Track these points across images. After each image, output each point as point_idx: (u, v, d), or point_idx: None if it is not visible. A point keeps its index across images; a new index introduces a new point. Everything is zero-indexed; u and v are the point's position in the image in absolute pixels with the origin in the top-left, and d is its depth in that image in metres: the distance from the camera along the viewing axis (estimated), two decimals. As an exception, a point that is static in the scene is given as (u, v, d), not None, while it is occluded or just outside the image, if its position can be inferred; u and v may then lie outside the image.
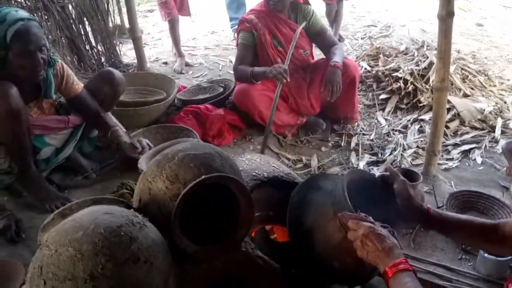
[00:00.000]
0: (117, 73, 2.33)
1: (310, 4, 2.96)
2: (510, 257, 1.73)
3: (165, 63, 3.95)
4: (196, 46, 4.47)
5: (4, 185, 2.12)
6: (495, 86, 3.47)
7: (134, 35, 3.39)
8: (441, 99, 2.15)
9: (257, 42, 2.75)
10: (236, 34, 3.03)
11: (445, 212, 1.39)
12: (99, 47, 3.47)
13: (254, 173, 1.67)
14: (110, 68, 2.40)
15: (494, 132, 2.88)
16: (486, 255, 1.74)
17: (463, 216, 1.39)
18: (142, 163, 1.74)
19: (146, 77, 3.13)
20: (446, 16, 1.93)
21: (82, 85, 2.23)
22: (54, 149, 2.17)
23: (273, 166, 1.74)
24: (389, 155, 2.66)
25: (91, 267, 1.04)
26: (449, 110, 2.96)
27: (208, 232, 1.39)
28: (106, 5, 3.41)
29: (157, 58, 4.06)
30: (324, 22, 3.28)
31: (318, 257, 1.37)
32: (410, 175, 2.05)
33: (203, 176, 1.28)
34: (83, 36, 3.37)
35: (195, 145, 1.43)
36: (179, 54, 3.91)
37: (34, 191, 2.09)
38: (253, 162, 1.76)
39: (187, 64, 3.93)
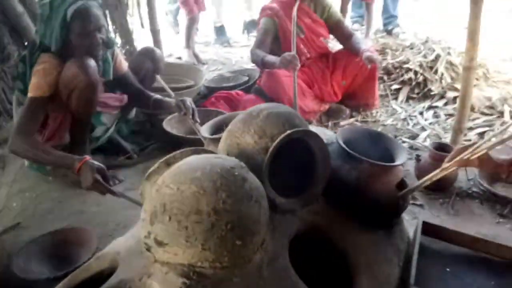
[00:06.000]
0: (157, 50, 2.43)
1: None
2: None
3: (179, 58, 4.03)
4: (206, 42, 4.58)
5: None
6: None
7: (153, 27, 3.46)
8: (469, 78, 2.31)
9: (279, 29, 2.87)
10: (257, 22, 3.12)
11: None
12: (117, 39, 3.51)
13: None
14: (151, 46, 2.50)
15: (503, 117, 3.07)
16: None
17: None
18: (204, 131, 1.81)
19: (173, 66, 3.21)
20: (478, -2, 2.08)
21: (127, 63, 2.30)
22: (105, 128, 2.22)
23: (329, 135, 1.84)
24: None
25: (214, 201, 1.10)
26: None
27: (289, 185, 1.47)
28: (126, -3, 3.46)
29: (170, 53, 4.12)
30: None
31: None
32: (443, 148, 2.20)
33: (293, 129, 1.37)
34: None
35: (275, 105, 1.52)
36: (187, 45, 3.99)
37: (84, 168, 2.11)
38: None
39: (197, 58, 4.01)
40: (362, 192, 1.48)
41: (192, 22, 3.91)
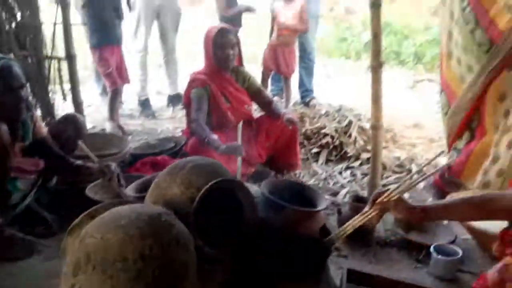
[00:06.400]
0: (79, 116, 2.43)
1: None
2: (458, 257, 2.02)
3: (103, 129, 3.99)
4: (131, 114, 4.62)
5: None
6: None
7: (75, 99, 3.45)
8: (377, 136, 2.54)
9: (210, 96, 3.00)
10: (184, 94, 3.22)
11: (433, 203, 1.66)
12: (38, 111, 3.44)
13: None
14: (73, 112, 2.49)
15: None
16: (439, 256, 2.01)
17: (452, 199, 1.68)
18: (130, 192, 1.80)
19: (96, 136, 3.17)
20: (377, 66, 2.38)
21: (46, 129, 2.27)
22: (22, 195, 2.11)
23: (254, 189, 1.91)
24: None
25: (140, 248, 1.10)
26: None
27: (217, 234, 1.49)
28: (47, 71, 3.44)
29: (94, 126, 4.08)
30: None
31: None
32: (361, 200, 2.35)
33: (219, 179, 1.42)
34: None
35: (200, 157, 1.58)
36: (111, 117, 3.99)
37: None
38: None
39: (122, 130, 4.00)
40: (287, 237, 1.54)
41: (115, 95, 3.95)
